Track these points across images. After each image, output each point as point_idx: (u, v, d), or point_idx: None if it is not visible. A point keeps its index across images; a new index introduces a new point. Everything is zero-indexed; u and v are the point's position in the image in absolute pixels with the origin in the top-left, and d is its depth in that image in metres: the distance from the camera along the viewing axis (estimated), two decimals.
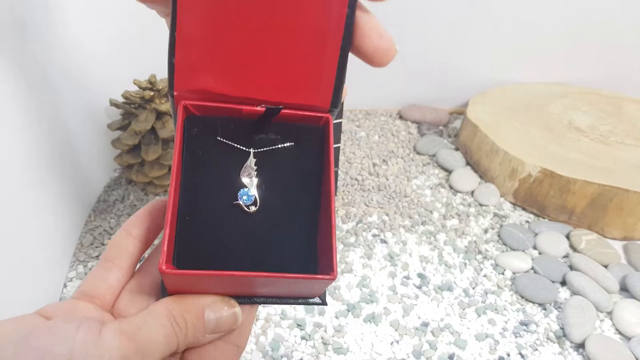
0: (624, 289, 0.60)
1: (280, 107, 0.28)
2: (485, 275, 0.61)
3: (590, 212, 0.68)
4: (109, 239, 0.62)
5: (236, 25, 0.27)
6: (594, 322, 0.55)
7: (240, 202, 0.29)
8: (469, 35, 0.91)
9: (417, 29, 0.88)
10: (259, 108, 0.29)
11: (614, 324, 0.56)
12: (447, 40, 0.91)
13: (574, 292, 0.59)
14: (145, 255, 0.31)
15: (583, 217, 0.68)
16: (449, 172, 0.81)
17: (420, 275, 0.60)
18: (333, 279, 0.26)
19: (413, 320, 0.55)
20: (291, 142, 0.31)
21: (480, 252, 0.65)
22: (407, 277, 0.60)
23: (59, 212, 0.57)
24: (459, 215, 0.71)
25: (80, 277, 0.57)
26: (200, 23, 0.26)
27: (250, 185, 0.29)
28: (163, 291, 0.27)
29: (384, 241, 0.65)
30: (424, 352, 0.51)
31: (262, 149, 0.30)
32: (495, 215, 0.72)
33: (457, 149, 0.86)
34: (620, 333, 0.55)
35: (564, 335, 0.54)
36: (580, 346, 0.53)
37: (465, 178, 0.77)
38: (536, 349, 0.52)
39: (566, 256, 0.65)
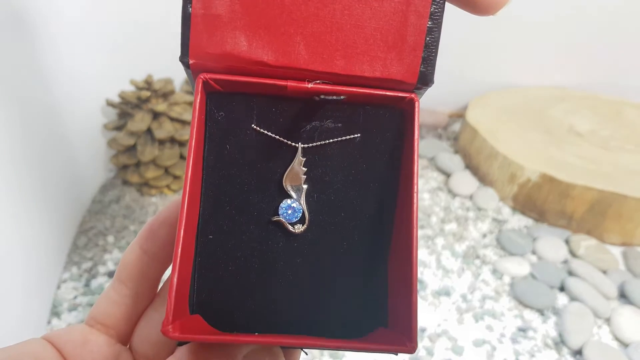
0: (623, 296, 0.59)
1: (341, 96, 0.19)
2: (483, 280, 0.61)
3: (589, 218, 0.67)
4: (104, 240, 0.62)
5: None
6: (592, 328, 0.54)
7: (282, 219, 0.21)
8: (469, 38, 0.90)
9: None
10: (311, 85, 0.20)
11: (611, 331, 0.55)
12: (447, 43, 0.90)
13: (573, 298, 0.58)
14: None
15: (582, 223, 0.68)
16: (447, 175, 0.80)
17: (418, 280, 0.60)
18: (412, 352, 0.18)
19: None
20: (357, 133, 0.22)
21: (478, 257, 0.64)
22: None
23: (53, 212, 0.56)
24: (457, 220, 0.71)
25: (74, 279, 0.56)
26: None
27: (297, 195, 0.21)
28: None
29: None
30: (420, 358, 0.50)
31: (314, 144, 0.21)
32: (494, 219, 0.71)
33: (456, 153, 0.86)
34: (617, 340, 0.54)
35: (562, 342, 0.54)
36: (577, 352, 0.52)
37: (464, 182, 0.77)
38: (533, 355, 0.52)
39: (565, 262, 0.64)
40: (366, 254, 0.22)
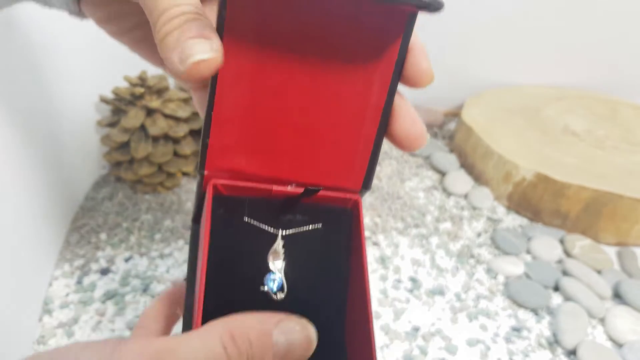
0: (617, 296, 0.59)
1: (320, 187, 0.27)
2: (477, 280, 0.60)
3: (584, 217, 0.67)
4: (96, 237, 0.61)
5: (274, 106, 0.26)
6: (586, 328, 0.54)
7: (267, 288, 0.27)
8: (465, 36, 0.90)
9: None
10: (289, 188, 0.28)
11: (606, 331, 0.55)
12: (443, 41, 0.90)
13: (567, 298, 0.58)
14: None
15: (577, 222, 0.68)
16: (442, 174, 0.80)
17: (412, 279, 0.60)
18: None
19: (404, 324, 0.54)
20: (319, 223, 0.29)
21: (472, 256, 0.64)
22: (399, 281, 0.59)
23: (45, 209, 0.56)
24: (452, 219, 0.70)
25: (66, 276, 0.56)
26: (238, 103, 0.26)
27: (277, 269, 0.27)
28: None
29: (375, 244, 0.64)
30: (414, 357, 0.50)
31: (290, 231, 0.29)
32: (489, 218, 0.71)
33: (451, 151, 0.85)
34: (612, 340, 0.54)
35: (556, 342, 0.53)
36: (571, 353, 0.52)
37: (459, 181, 0.77)
38: (527, 355, 0.52)
39: (559, 261, 0.64)
40: (331, 314, 0.28)
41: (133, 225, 0.64)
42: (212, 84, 0.25)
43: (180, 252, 0.60)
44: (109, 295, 0.54)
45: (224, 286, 0.27)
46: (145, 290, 0.55)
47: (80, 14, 0.33)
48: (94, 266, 0.57)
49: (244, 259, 0.28)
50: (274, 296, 0.27)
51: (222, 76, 0.25)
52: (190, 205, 0.68)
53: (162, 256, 0.59)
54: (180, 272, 0.57)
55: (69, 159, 0.63)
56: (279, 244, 0.28)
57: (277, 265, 0.28)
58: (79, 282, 0.55)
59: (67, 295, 0.54)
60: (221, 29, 0.23)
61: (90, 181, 0.71)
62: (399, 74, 0.26)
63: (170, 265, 0.58)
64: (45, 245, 0.56)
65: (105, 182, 0.71)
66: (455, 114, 0.99)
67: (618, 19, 0.89)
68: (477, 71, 0.96)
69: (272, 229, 0.28)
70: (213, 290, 0.26)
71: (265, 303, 0.27)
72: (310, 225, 0.29)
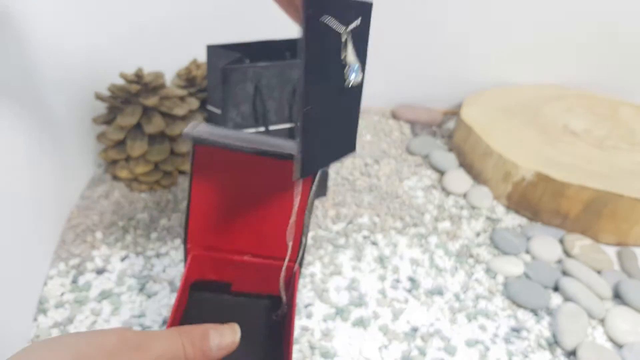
0: (617, 296, 0.59)
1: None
2: (476, 280, 0.60)
3: (584, 217, 0.67)
4: (92, 236, 0.60)
5: (233, 205, 0.43)
6: (586, 329, 0.54)
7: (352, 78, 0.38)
8: (464, 35, 0.90)
9: (411, 29, 0.87)
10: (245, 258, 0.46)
11: (606, 332, 0.55)
12: (442, 41, 0.90)
13: (567, 298, 0.58)
14: None
15: (577, 222, 0.68)
16: (441, 173, 0.79)
17: (411, 279, 0.59)
18: None
19: (402, 324, 0.53)
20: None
21: (472, 256, 0.64)
22: (398, 281, 0.59)
23: (40, 207, 0.55)
24: (451, 218, 0.70)
25: (62, 275, 0.55)
26: (208, 204, 0.43)
27: (351, 61, 0.37)
28: None
29: (374, 243, 0.64)
30: (413, 358, 0.50)
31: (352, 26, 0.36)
32: (488, 218, 0.71)
33: (450, 150, 0.85)
34: (612, 341, 0.54)
35: (556, 342, 0.53)
36: (571, 354, 0.52)
37: (458, 180, 0.76)
38: (527, 356, 0.51)
39: (559, 261, 0.64)
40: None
41: (129, 224, 0.63)
42: (189, 189, 0.43)
43: (176, 252, 0.59)
44: (105, 295, 0.53)
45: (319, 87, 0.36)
46: (141, 289, 0.54)
47: None
48: (90, 265, 0.57)
49: (336, 55, 0.36)
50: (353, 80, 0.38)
51: (195, 188, 0.43)
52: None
53: (158, 255, 0.59)
54: (176, 271, 0.57)
55: (64, 156, 0.62)
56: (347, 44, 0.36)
57: (350, 58, 0.36)
58: (75, 281, 0.55)
59: (63, 294, 0.53)
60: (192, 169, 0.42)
61: (85, 179, 0.70)
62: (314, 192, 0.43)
63: (167, 264, 0.58)
64: (41, 244, 0.55)
65: (101, 181, 0.70)
66: (454, 113, 0.99)
67: (618, 18, 0.89)
68: (476, 70, 0.95)
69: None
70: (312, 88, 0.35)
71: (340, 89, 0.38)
72: None
